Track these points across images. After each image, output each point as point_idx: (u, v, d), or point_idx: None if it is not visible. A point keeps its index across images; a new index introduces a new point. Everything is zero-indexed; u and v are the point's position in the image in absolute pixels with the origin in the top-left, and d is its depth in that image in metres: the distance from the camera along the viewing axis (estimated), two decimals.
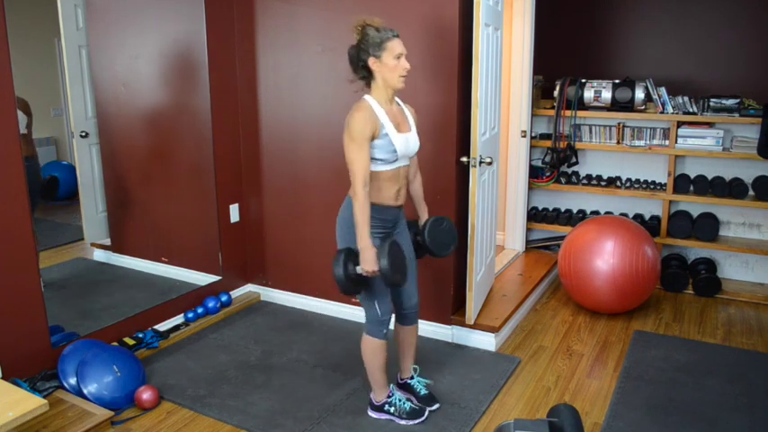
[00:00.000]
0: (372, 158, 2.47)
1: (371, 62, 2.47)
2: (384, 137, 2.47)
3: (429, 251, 2.77)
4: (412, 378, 2.91)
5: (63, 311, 3.33)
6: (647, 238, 3.79)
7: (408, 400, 2.80)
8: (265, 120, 3.90)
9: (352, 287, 2.52)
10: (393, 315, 2.80)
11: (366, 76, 2.53)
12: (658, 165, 4.53)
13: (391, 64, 2.46)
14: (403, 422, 2.73)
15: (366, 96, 2.53)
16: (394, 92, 2.55)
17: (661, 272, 4.19)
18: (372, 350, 2.67)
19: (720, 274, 4.42)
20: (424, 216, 2.87)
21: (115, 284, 3.84)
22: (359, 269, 2.47)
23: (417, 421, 2.73)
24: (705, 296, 4.23)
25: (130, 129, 3.96)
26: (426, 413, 2.77)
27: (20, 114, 3.05)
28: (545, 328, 3.75)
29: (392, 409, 2.75)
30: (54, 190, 3.63)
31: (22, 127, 3.09)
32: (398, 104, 2.63)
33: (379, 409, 2.78)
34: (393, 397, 2.76)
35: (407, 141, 2.56)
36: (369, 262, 2.43)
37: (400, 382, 2.95)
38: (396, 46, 2.45)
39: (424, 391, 2.87)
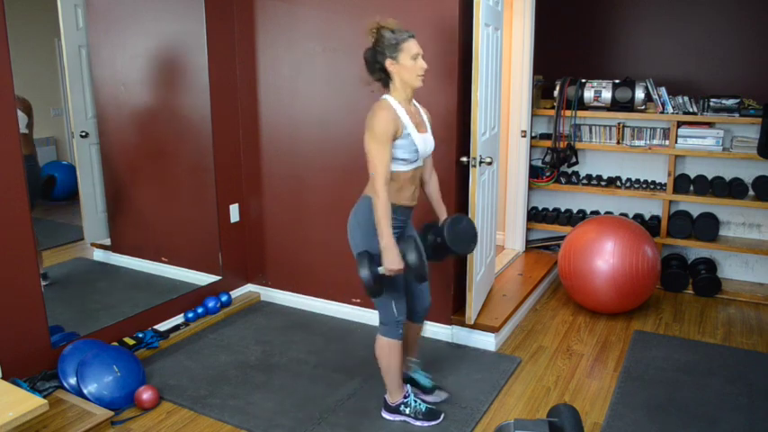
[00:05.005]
0: (394, 158, 2.47)
1: (389, 64, 2.47)
2: (407, 137, 2.47)
3: (450, 251, 2.74)
4: (414, 371, 2.91)
5: (63, 311, 3.32)
6: (647, 238, 3.79)
7: (423, 401, 2.79)
8: (265, 120, 3.90)
9: (378, 288, 2.50)
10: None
11: (383, 77, 2.53)
12: (658, 165, 4.53)
13: (409, 64, 2.46)
14: (418, 423, 2.71)
15: (386, 96, 2.52)
16: (413, 92, 2.55)
17: (661, 272, 4.19)
18: (389, 351, 2.65)
19: (720, 274, 4.42)
20: (443, 216, 2.85)
21: (115, 284, 3.84)
22: (381, 269, 2.45)
23: (434, 423, 2.71)
24: (705, 296, 4.23)
25: (130, 129, 3.96)
26: (442, 415, 2.76)
27: (20, 114, 3.05)
28: (545, 328, 3.75)
29: (408, 410, 2.73)
30: (50, 189, 3.63)
31: (23, 126, 3.09)
32: (415, 105, 2.64)
33: (394, 410, 2.75)
34: (409, 398, 2.74)
35: (426, 142, 2.58)
36: (393, 261, 2.41)
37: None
38: (412, 46, 2.46)
39: (429, 383, 2.87)
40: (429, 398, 2.87)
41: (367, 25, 2.51)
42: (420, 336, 2.93)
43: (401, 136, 2.46)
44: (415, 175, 2.58)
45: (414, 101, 2.63)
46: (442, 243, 2.70)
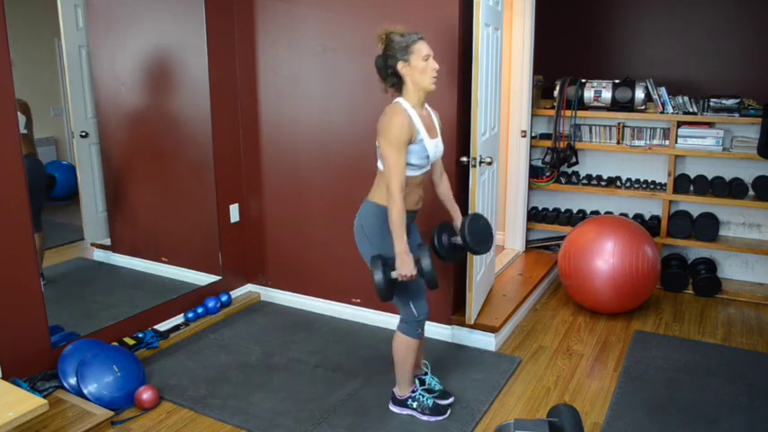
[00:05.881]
0: (407, 164, 2.48)
1: (400, 66, 2.48)
2: (419, 142, 2.49)
3: (472, 251, 2.76)
4: (426, 374, 2.91)
5: (63, 311, 3.32)
6: (647, 238, 3.79)
7: (431, 396, 2.82)
8: (265, 120, 3.90)
9: (390, 293, 2.53)
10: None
11: (396, 82, 2.54)
12: (658, 165, 4.53)
13: (420, 66, 2.47)
14: (425, 418, 2.75)
15: (399, 99, 2.53)
16: (426, 95, 2.55)
17: (661, 272, 4.19)
18: (406, 348, 2.69)
19: (720, 274, 4.42)
20: (457, 216, 2.85)
21: (115, 284, 3.84)
22: (394, 274, 2.48)
23: (440, 418, 2.75)
24: (705, 296, 4.23)
25: (130, 129, 3.96)
26: (449, 411, 2.79)
27: (19, 114, 3.04)
28: (545, 328, 3.75)
29: (415, 404, 2.77)
30: (50, 189, 3.62)
31: (21, 126, 3.08)
32: (427, 109, 2.65)
33: (402, 403, 2.79)
34: (416, 392, 2.78)
35: (437, 147, 2.60)
36: (407, 267, 2.45)
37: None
38: (422, 47, 2.48)
39: (438, 387, 2.88)
40: (433, 418, 2.80)
41: (376, 33, 2.52)
42: (422, 341, 2.91)
43: (415, 141, 2.47)
44: (424, 179, 2.61)
45: (426, 105, 2.64)
46: (464, 243, 2.71)
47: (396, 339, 2.72)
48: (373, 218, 2.56)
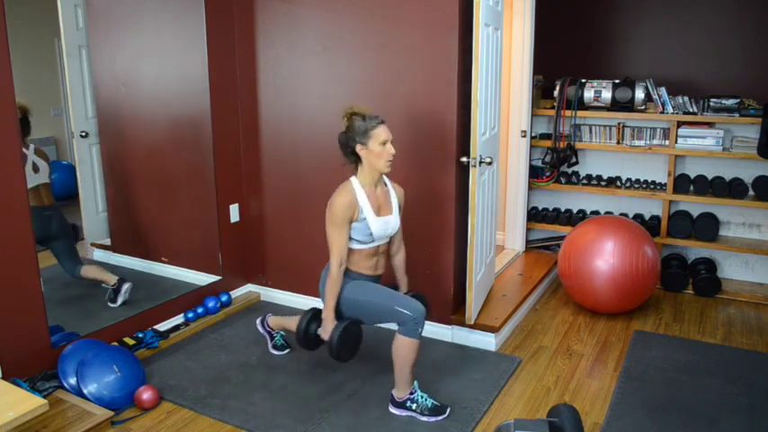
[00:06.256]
0: (350, 238, 2.72)
1: (359, 148, 2.67)
2: (362, 221, 2.67)
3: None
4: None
5: (63, 311, 3.32)
6: (647, 238, 3.79)
7: (431, 396, 2.82)
8: (265, 120, 3.90)
9: (308, 344, 2.88)
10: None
11: (354, 160, 2.73)
12: (658, 165, 4.53)
13: (377, 150, 2.64)
14: (424, 419, 2.75)
15: (352, 179, 2.73)
16: (380, 175, 2.73)
17: (661, 272, 4.19)
18: (408, 349, 2.70)
19: (720, 274, 4.42)
20: (403, 289, 3.04)
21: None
22: (320, 331, 2.80)
23: (440, 418, 2.76)
24: (705, 296, 4.23)
25: (130, 129, 3.96)
26: (448, 410, 2.79)
27: (44, 163, 3.26)
28: (545, 328, 3.75)
29: (414, 406, 2.77)
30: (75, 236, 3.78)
31: (46, 176, 3.29)
32: (386, 185, 2.80)
33: (401, 405, 2.80)
34: (415, 394, 2.78)
35: (386, 224, 2.76)
36: (327, 331, 2.73)
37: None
38: (381, 133, 2.64)
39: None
40: (433, 418, 2.77)
41: (343, 110, 2.71)
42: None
43: (357, 219, 2.68)
44: (377, 251, 2.81)
45: (386, 181, 2.82)
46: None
47: (396, 342, 2.71)
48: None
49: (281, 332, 3.37)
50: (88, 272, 3.55)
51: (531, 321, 3.85)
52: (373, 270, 2.83)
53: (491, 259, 3.87)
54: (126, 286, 3.54)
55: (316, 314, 2.89)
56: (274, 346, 3.38)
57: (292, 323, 3.13)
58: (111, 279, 3.55)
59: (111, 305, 3.51)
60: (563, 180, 4.73)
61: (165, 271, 4.00)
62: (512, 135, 4.65)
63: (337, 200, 2.64)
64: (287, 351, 3.37)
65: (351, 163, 2.74)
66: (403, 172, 3.29)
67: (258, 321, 3.44)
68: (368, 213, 2.68)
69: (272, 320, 3.35)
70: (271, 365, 3.26)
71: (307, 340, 2.89)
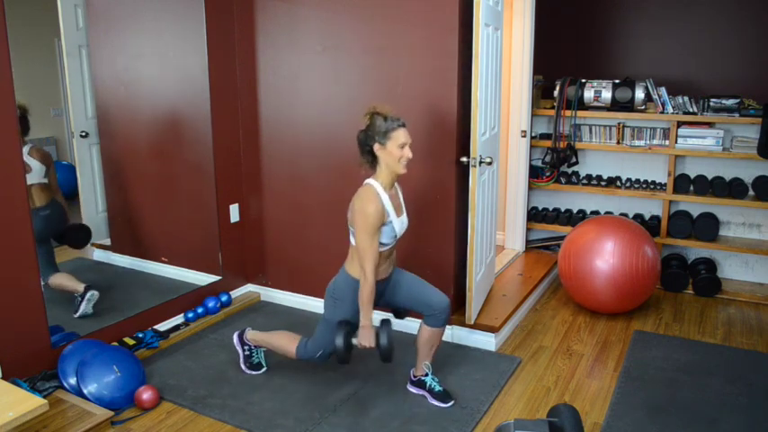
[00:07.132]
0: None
1: (377, 148, 2.63)
2: (389, 224, 2.66)
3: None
4: (426, 375, 2.95)
5: (63, 311, 3.32)
6: (647, 238, 3.79)
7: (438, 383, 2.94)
8: (265, 120, 3.90)
9: (348, 357, 2.71)
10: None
11: (371, 160, 2.69)
12: (658, 165, 4.53)
13: (395, 152, 2.61)
14: (432, 401, 2.88)
15: (371, 181, 2.67)
16: (396, 177, 2.69)
17: (661, 272, 4.19)
18: (431, 334, 2.88)
19: (720, 274, 4.42)
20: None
21: (115, 284, 3.83)
22: (355, 341, 2.67)
23: (443, 405, 2.86)
24: (705, 296, 4.23)
25: (130, 129, 3.96)
26: (452, 402, 2.88)
27: (36, 164, 3.19)
28: (545, 328, 3.75)
29: (426, 385, 2.93)
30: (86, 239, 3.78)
31: (41, 175, 3.23)
32: (395, 187, 2.79)
33: (417, 383, 2.97)
34: (427, 377, 2.93)
35: (402, 224, 2.77)
36: (368, 339, 2.63)
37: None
38: (400, 135, 2.61)
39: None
40: (438, 403, 2.90)
41: (366, 108, 2.67)
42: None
43: (385, 223, 2.64)
44: (392, 251, 2.78)
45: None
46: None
47: (421, 328, 2.88)
48: (348, 289, 2.72)
49: (262, 349, 3.16)
50: (56, 280, 3.37)
51: (531, 321, 3.85)
52: (385, 272, 2.77)
53: (491, 259, 3.87)
54: (90, 294, 3.39)
55: (347, 327, 2.70)
56: (250, 366, 3.16)
57: (279, 340, 3.00)
58: (79, 287, 3.40)
59: (74, 315, 3.36)
60: (563, 180, 4.73)
61: (165, 271, 4.00)
62: (512, 135, 4.65)
63: (370, 207, 2.56)
64: (263, 371, 3.17)
65: (366, 162, 2.70)
66: None
67: (236, 335, 3.19)
68: (393, 216, 2.67)
69: (253, 335, 3.13)
70: (271, 365, 3.25)
71: (348, 355, 2.71)
